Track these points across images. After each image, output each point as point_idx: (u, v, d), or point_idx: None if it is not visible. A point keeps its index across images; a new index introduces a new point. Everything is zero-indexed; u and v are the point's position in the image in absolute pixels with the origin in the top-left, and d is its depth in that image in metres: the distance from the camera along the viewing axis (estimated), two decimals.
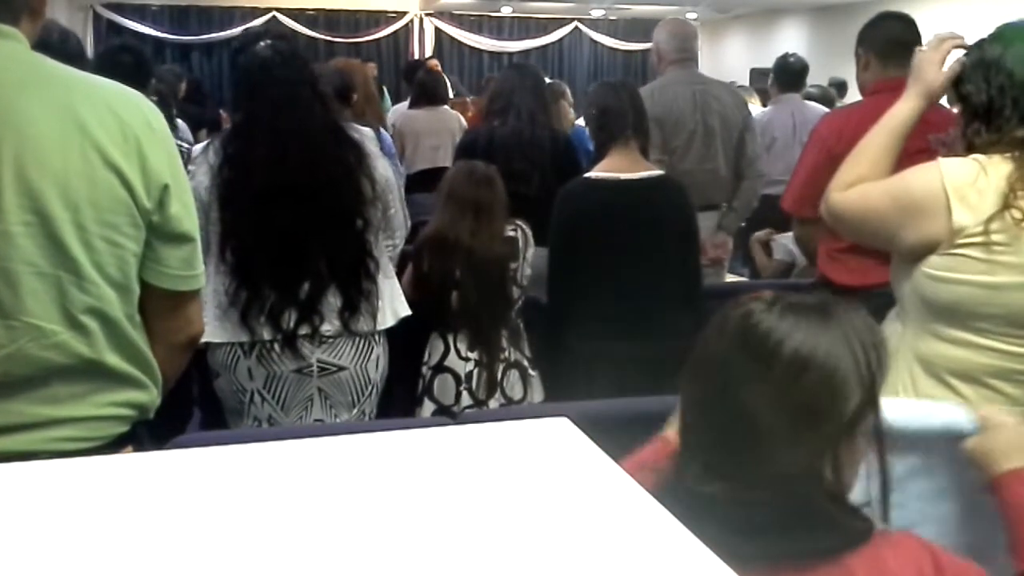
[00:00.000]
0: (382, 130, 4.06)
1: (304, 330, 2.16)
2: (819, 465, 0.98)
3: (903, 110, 1.75)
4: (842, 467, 1.00)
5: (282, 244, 2.11)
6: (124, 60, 3.18)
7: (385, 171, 2.33)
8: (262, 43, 2.17)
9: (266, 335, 2.14)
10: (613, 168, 2.63)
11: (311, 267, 2.15)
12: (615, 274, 2.61)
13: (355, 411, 2.29)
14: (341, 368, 2.23)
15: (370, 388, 2.30)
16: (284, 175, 2.08)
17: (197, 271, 1.52)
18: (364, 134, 2.32)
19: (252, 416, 2.23)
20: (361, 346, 2.25)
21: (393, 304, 2.32)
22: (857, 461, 1.03)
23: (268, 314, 2.13)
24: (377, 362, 2.29)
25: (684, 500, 0.77)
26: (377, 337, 2.29)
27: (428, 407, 2.63)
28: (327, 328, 2.18)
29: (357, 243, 2.18)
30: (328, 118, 2.19)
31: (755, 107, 6.26)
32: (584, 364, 2.61)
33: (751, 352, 0.99)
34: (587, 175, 2.70)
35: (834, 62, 7.78)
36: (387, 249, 2.44)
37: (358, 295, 2.19)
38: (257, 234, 2.09)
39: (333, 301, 2.17)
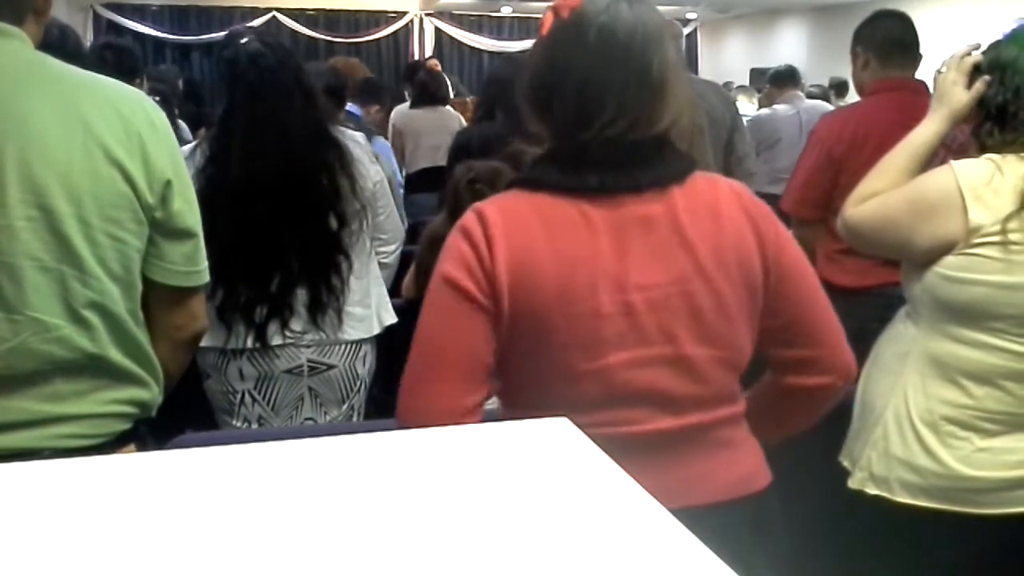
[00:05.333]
0: (379, 138, 4.03)
1: (274, 325, 2.16)
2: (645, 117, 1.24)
3: (926, 132, 1.73)
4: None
5: (257, 238, 2.11)
6: (108, 58, 3.19)
7: (377, 176, 2.33)
8: (248, 37, 2.17)
9: (241, 330, 2.15)
10: None
11: (282, 261, 2.15)
12: None
13: (344, 407, 2.31)
14: (331, 367, 2.24)
15: (358, 384, 2.32)
16: (260, 166, 2.08)
17: (200, 267, 1.54)
18: (353, 138, 2.31)
19: (242, 417, 2.24)
20: (351, 345, 2.26)
21: (380, 312, 2.33)
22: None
23: (242, 310, 2.14)
24: (365, 359, 2.31)
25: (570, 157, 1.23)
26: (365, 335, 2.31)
27: None
28: (296, 325, 2.18)
29: (329, 239, 2.18)
30: (310, 112, 2.16)
31: (751, 107, 6.28)
32: None
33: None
34: None
35: (834, 62, 7.79)
36: (380, 255, 2.45)
37: (327, 292, 2.19)
38: (235, 229, 2.08)
39: (303, 297, 2.18)
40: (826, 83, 8.12)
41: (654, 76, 1.23)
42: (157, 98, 3.25)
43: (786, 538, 1.39)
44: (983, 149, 1.64)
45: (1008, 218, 1.53)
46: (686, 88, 1.30)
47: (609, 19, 1.23)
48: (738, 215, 1.29)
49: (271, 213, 2.10)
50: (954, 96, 1.70)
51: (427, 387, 1.25)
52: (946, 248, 1.58)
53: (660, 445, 1.27)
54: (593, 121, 1.23)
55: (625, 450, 1.23)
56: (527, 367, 1.27)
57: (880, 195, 1.69)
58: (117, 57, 3.27)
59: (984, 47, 1.73)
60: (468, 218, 1.27)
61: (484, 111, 3.38)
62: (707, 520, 1.25)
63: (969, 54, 1.73)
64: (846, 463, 1.76)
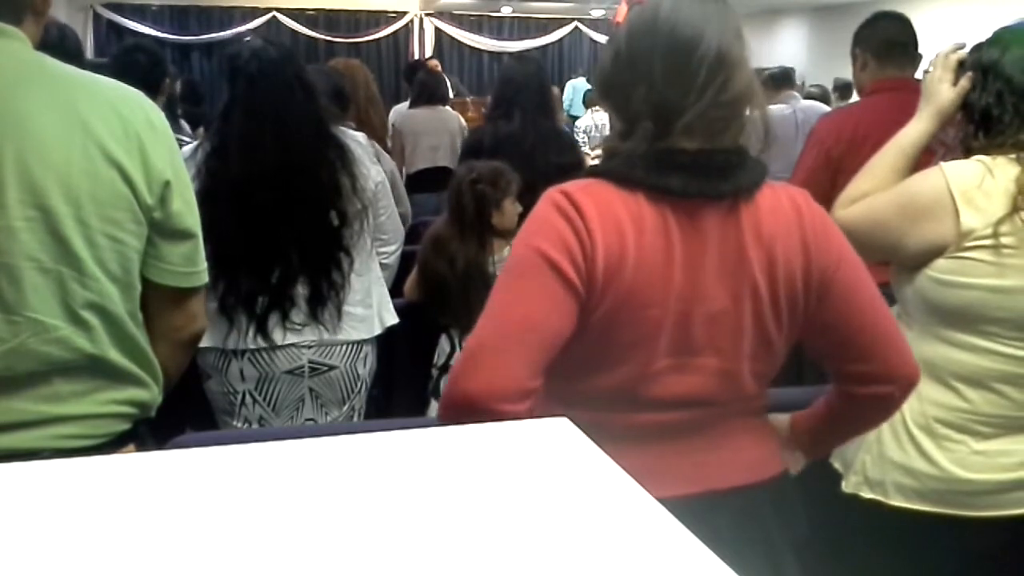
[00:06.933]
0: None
1: (275, 318, 2.17)
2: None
3: (914, 131, 1.73)
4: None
5: (257, 229, 2.11)
6: (139, 60, 3.22)
7: (378, 176, 2.34)
8: (251, 37, 2.19)
9: (243, 323, 2.15)
10: None
11: (282, 253, 2.15)
12: None
13: (345, 407, 2.31)
14: (332, 367, 2.24)
15: (359, 385, 2.32)
16: (259, 158, 2.09)
17: (199, 268, 1.54)
18: (354, 138, 2.32)
19: (243, 417, 2.24)
20: (352, 345, 2.26)
21: (381, 312, 2.33)
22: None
23: (244, 302, 2.14)
24: (366, 360, 2.32)
25: (656, 159, 1.23)
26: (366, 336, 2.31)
27: (435, 407, 2.64)
28: (297, 318, 2.18)
29: (329, 234, 2.18)
30: (311, 107, 2.17)
31: None
32: None
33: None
34: None
35: (834, 62, 7.78)
36: (381, 256, 2.45)
37: (327, 287, 2.19)
38: (235, 220, 2.09)
39: (302, 290, 2.18)
40: (829, 84, 8.14)
41: (733, 55, 1.27)
42: (163, 98, 3.27)
43: (805, 524, 1.40)
44: (969, 152, 1.63)
45: (1000, 221, 1.52)
46: (753, 74, 1.32)
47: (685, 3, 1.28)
48: (793, 235, 1.29)
49: (270, 205, 2.11)
50: (940, 94, 1.70)
51: (501, 360, 1.19)
52: (937, 251, 1.57)
53: (679, 430, 1.30)
54: (683, 97, 1.24)
55: (644, 437, 1.26)
56: (578, 359, 1.27)
57: (869, 197, 1.69)
58: (151, 60, 3.29)
59: (969, 46, 1.73)
60: (557, 199, 1.25)
61: (502, 110, 3.37)
62: (730, 503, 1.28)
63: (955, 52, 1.72)
64: (837, 465, 1.75)
